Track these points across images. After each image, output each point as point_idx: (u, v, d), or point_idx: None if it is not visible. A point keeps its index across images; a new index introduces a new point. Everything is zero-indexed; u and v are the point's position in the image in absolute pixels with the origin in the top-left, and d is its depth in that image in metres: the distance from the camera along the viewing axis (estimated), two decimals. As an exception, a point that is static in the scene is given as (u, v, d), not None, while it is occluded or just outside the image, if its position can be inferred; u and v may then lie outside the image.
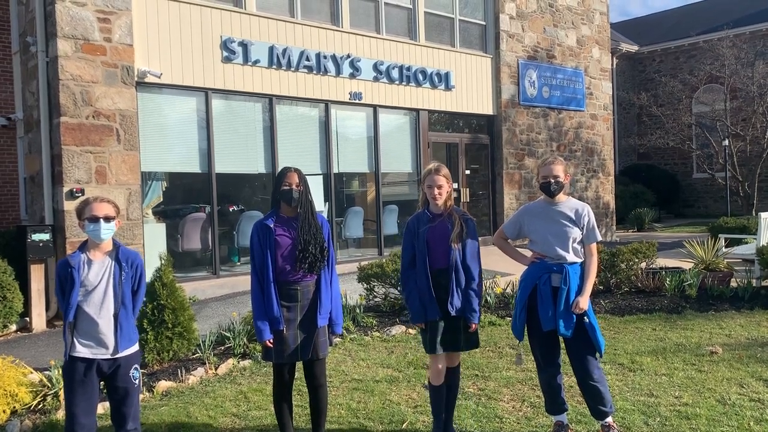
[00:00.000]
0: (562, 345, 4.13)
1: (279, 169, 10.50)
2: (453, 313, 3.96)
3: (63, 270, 3.38)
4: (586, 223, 4.08)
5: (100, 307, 3.37)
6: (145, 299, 5.79)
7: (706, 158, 19.81)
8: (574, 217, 4.08)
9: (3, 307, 7.55)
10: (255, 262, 3.85)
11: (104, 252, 3.45)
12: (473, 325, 4.01)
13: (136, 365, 3.50)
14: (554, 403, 4.14)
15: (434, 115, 13.49)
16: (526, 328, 4.18)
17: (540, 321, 4.02)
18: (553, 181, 4.07)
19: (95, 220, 3.37)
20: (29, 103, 9.33)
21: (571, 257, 4.04)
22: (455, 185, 13.78)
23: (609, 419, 4.06)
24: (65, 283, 3.36)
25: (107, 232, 3.41)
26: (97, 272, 3.39)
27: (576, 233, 4.05)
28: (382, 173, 12.54)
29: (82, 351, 3.35)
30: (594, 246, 4.14)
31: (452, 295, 3.96)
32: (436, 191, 4.00)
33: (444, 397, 4.11)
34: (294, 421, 4.24)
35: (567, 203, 4.15)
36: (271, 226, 3.84)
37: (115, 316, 3.38)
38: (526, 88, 14.76)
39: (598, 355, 4.04)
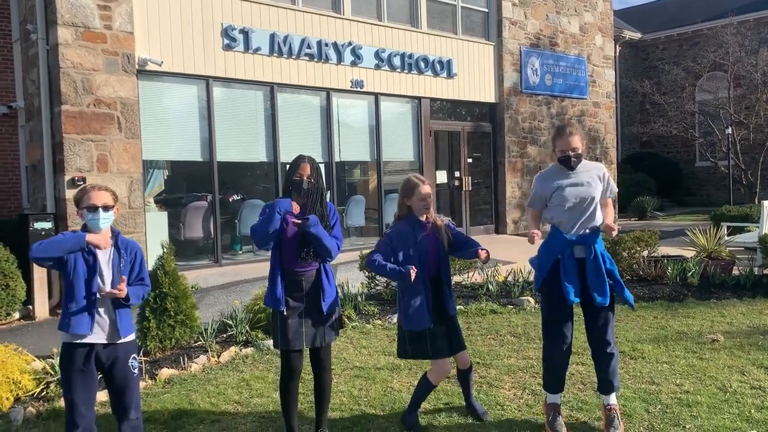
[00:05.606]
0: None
1: (281, 157, 10.69)
2: (452, 313, 4.14)
3: None
4: (606, 180, 4.06)
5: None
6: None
7: (709, 146, 19.73)
8: (595, 178, 4.02)
9: (6, 296, 7.58)
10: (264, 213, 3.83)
11: (95, 236, 3.43)
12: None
13: (134, 355, 3.50)
14: (558, 380, 4.09)
15: (436, 103, 13.44)
16: (544, 302, 4.12)
17: (564, 294, 3.91)
18: (572, 154, 3.97)
19: (94, 209, 3.35)
20: (30, 91, 9.31)
21: (592, 222, 3.97)
22: (456, 174, 13.83)
23: (613, 400, 4.03)
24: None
25: (105, 221, 3.39)
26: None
27: (598, 192, 4.00)
28: (384, 162, 12.52)
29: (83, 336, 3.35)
30: (611, 199, 4.16)
31: (448, 297, 4.13)
32: (429, 201, 4.12)
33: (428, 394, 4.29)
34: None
35: (583, 166, 4.07)
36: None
37: (114, 303, 3.38)
38: (528, 75, 14.70)
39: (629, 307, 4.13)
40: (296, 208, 3.81)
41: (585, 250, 3.96)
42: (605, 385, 4.06)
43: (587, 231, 3.98)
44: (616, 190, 4.15)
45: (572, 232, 3.97)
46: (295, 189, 3.87)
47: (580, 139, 4.02)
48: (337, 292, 4.07)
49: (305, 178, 3.85)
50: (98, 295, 3.32)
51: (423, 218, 4.14)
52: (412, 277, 3.82)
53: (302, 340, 3.86)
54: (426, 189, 4.09)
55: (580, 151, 3.98)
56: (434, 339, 4.07)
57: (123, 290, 3.29)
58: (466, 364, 4.32)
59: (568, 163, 4.00)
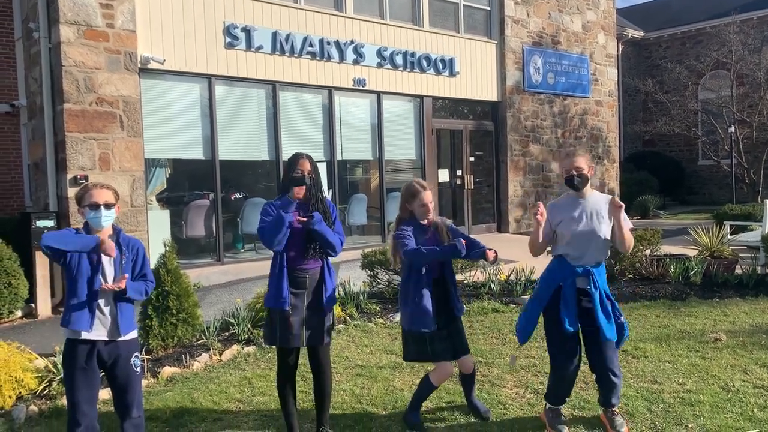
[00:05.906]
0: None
1: (282, 156, 10.67)
2: (458, 314, 4.19)
3: None
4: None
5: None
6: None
7: (712, 145, 19.68)
8: (603, 213, 3.97)
9: (8, 294, 7.58)
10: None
11: (105, 237, 3.44)
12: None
13: (137, 353, 3.51)
14: (564, 396, 4.12)
15: (438, 101, 13.43)
16: (547, 328, 4.06)
17: (563, 322, 3.89)
18: (575, 173, 3.95)
19: (96, 207, 3.36)
20: (32, 89, 9.31)
21: (597, 256, 3.97)
22: (459, 172, 13.82)
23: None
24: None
25: (107, 219, 3.40)
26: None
27: (606, 226, 3.95)
28: (386, 160, 12.51)
29: (83, 332, 3.35)
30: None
31: (454, 298, 4.17)
32: (430, 206, 4.16)
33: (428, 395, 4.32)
34: (297, 406, 4.25)
35: (594, 197, 4.04)
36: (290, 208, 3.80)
37: (115, 299, 3.39)
38: (531, 74, 14.67)
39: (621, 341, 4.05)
40: (300, 193, 3.77)
41: (587, 282, 3.93)
42: (606, 402, 4.08)
43: (592, 264, 3.95)
44: (631, 225, 4.06)
45: (576, 264, 3.95)
46: (296, 185, 3.84)
47: (584, 160, 4.00)
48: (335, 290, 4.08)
49: (306, 173, 3.84)
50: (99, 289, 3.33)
51: (424, 222, 4.16)
52: (464, 251, 3.85)
53: (302, 338, 3.86)
54: (428, 195, 4.13)
55: (584, 172, 3.96)
56: (433, 342, 4.06)
57: (122, 286, 3.31)
58: (470, 369, 4.28)
59: (571, 182, 3.98)
